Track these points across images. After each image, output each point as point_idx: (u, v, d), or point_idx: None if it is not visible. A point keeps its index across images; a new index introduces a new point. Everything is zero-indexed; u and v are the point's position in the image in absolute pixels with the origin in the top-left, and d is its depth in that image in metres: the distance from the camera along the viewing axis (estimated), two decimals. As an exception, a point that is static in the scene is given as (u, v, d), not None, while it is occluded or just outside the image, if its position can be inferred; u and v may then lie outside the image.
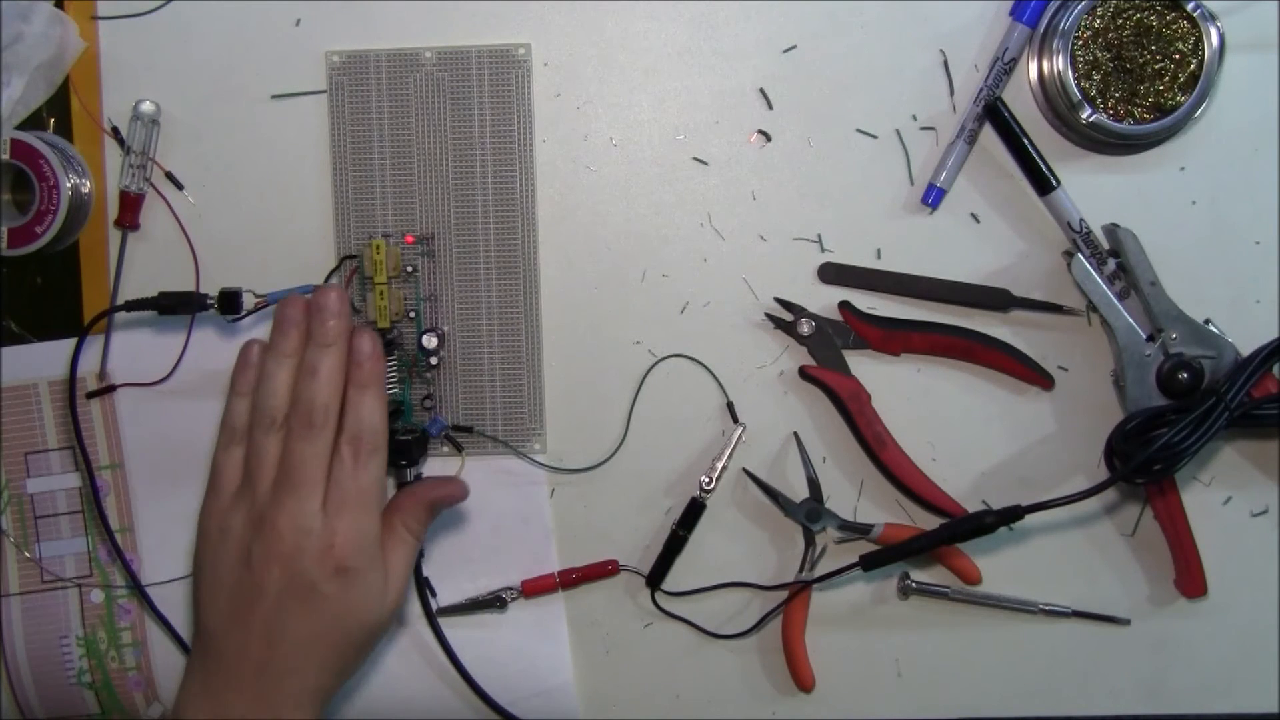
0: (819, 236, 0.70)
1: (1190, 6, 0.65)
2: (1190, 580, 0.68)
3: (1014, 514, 0.64)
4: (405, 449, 0.67)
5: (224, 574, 0.59)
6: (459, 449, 0.70)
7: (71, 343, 0.70)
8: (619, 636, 0.71)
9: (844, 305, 0.69)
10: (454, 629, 0.70)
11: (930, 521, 0.69)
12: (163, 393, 0.71)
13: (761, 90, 0.69)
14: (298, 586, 0.57)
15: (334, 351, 0.59)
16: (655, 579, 0.70)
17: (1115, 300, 0.66)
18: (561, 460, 0.71)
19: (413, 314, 0.70)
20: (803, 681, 0.69)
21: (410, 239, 0.69)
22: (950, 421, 0.70)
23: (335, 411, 0.59)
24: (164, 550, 0.71)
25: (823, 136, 0.69)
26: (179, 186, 0.70)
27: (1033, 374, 0.68)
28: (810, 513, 0.69)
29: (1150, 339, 0.66)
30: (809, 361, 0.69)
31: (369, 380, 0.60)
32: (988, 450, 0.70)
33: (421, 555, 0.70)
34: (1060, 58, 0.65)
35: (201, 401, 0.70)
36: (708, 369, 0.70)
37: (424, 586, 0.70)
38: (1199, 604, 0.69)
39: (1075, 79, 0.65)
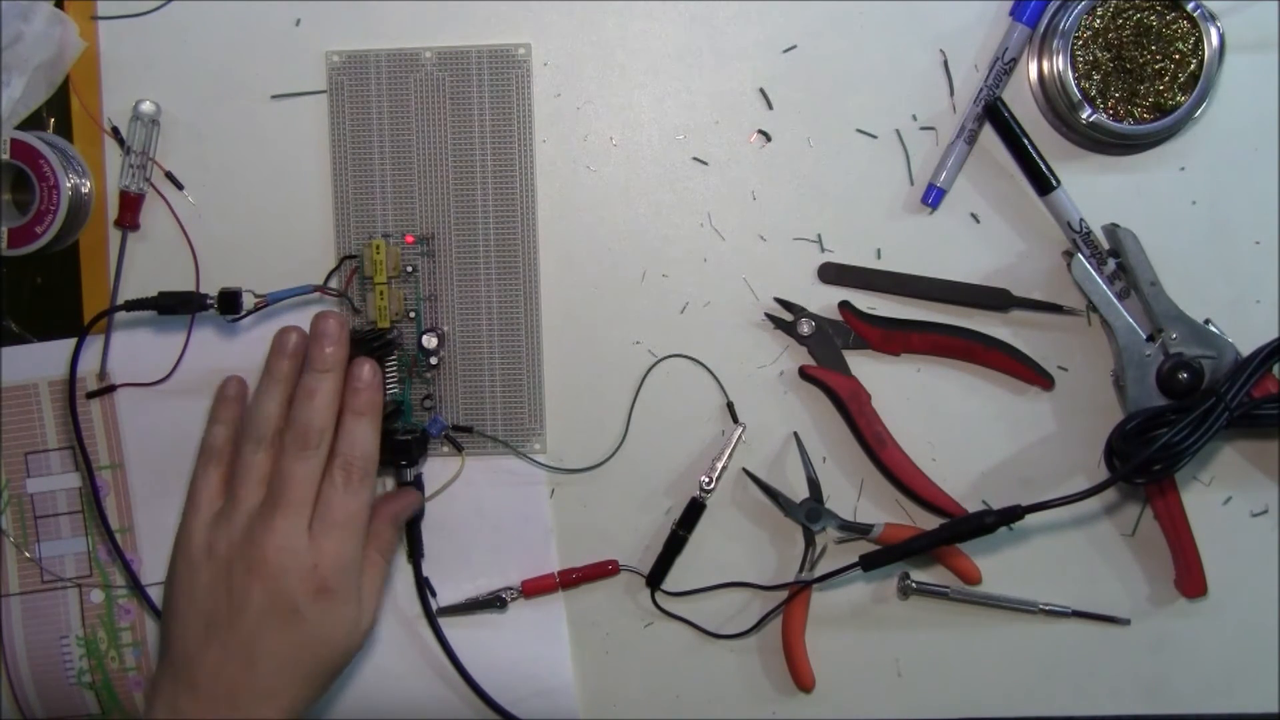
0: (819, 236, 0.70)
1: (1190, 6, 0.65)
2: (1190, 580, 0.68)
3: (1014, 514, 0.64)
4: (405, 449, 0.67)
5: (202, 594, 0.58)
6: (459, 449, 0.70)
7: (71, 343, 0.70)
8: (619, 636, 0.71)
9: (844, 305, 0.69)
10: (454, 629, 0.70)
11: (930, 521, 0.69)
12: (163, 393, 0.71)
13: (761, 90, 0.69)
14: (279, 606, 0.57)
15: (332, 377, 0.60)
16: (655, 579, 0.70)
17: (1115, 300, 0.66)
18: (561, 460, 0.71)
19: (413, 314, 0.70)
20: (803, 681, 0.69)
21: (410, 239, 0.69)
22: (950, 421, 0.70)
23: (329, 435, 0.60)
24: (164, 550, 0.71)
25: (823, 136, 0.69)
26: (179, 186, 0.70)
27: (1033, 374, 0.68)
28: (810, 513, 0.69)
29: (1150, 339, 0.66)
30: (809, 361, 0.69)
31: (365, 408, 0.61)
32: (988, 450, 0.70)
33: (421, 556, 0.70)
34: (1060, 58, 0.65)
35: (201, 401, 0.70)
36: (708, 369, 0.70)
37: (424, 586, 0.70)
38: (1199, 604, 0.69)
39: (1075, 79, 0.65)
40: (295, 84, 0.70)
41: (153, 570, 0.71)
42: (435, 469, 0.70)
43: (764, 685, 0.71)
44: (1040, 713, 0.70)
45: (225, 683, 0.57)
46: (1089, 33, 0.65)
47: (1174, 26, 0.65)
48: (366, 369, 0.61)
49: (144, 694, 0.58)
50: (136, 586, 0.71)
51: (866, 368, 0.69)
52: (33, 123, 0.70)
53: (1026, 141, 0.66)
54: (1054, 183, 0.66)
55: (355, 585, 0.60)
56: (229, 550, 0.58)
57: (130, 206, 0.70)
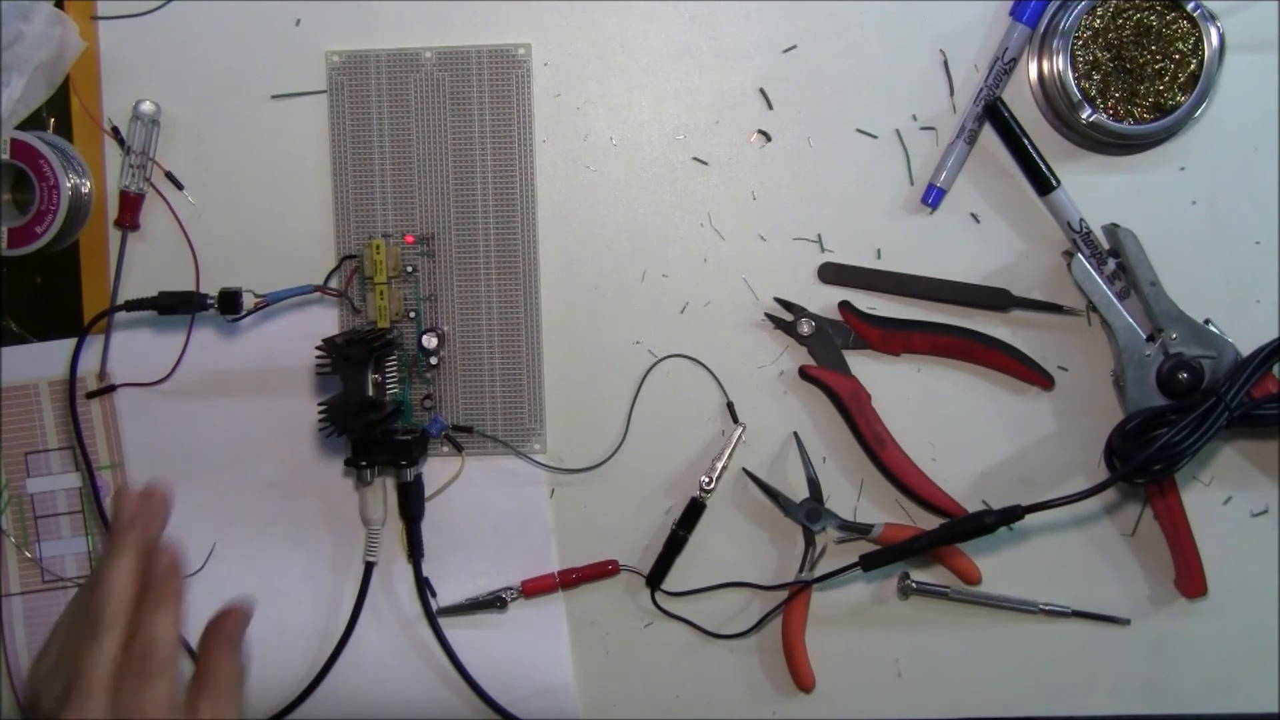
0: (819, 236, 0.70)
1: (1190, 6, 0.65)
2: (1190, 580, 0.68)
3: (1014, 514, 0.64)
4: (405, 449, 0.67)
5: None
6: (459, 449, 0.70)
7: (71, 343, 0.70)
8: (619, 636, 0.71)
9: (844, 305, 0.69)
10: (454, 629, 0.70)
11: (930, 521, 0.69)
12: (163, 393, 0.71)
13: (761, 90, 0.69)
14: None
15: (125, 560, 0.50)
16: (655, 579, 0.70)
17: (1115, 300, 0.66)
18: (561, 460, 0.71)
19: (413, 314, 0.70)
20: (803, 681, 0.69)
21: (410, 239, 0.69)
22: (950, 421, 0.70)
23: (123, 619, 0.49)
24: (164, 550, 0.71)
25: (823, 136, 0.69)
26: (179, 186, 0.70)
27: (1033, 374, 0.68)
28: (810, 513, 0.69)
29: (1150, 339, 0.66)
30: (809, 361, 0.69)
31: (165, 598, 0.50)
32: (988, 450, 0.70)
33: (421, 556, 0.70)
34: (1060, 58, 0.65)
35: (201, 401, 0.70)
36: (708, 369, 0.70)
37: (424, 586, 0.70)
38: (1199, 604, 0.69)
39: (1075, 79, 0.65)
40: (295, 84, 0.70)
41: (153, 570, 0.71)
42: (435, 469, 0.70)
43: (764, 685, 0.71)
44: (1040, 713, 0.70)
45: None
46: (1089, 33, 0.65)
47: (1174, 26, 0.65)
48: (165, 559, 0.52)
49: None
50: (136, 586, 0.71)
51: (866, 368, 0.69)
52: (33, 123, 0.70)
53: (1026, 141, 0.66)
54: (1054, 183, 0.66)
55: None
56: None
57: (130, 206, 0.70)
